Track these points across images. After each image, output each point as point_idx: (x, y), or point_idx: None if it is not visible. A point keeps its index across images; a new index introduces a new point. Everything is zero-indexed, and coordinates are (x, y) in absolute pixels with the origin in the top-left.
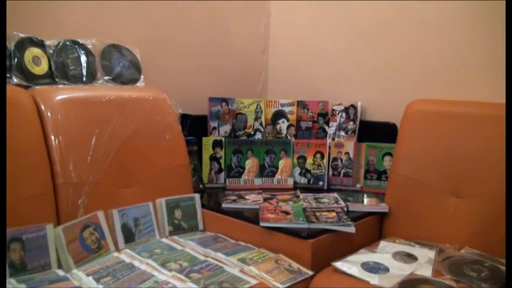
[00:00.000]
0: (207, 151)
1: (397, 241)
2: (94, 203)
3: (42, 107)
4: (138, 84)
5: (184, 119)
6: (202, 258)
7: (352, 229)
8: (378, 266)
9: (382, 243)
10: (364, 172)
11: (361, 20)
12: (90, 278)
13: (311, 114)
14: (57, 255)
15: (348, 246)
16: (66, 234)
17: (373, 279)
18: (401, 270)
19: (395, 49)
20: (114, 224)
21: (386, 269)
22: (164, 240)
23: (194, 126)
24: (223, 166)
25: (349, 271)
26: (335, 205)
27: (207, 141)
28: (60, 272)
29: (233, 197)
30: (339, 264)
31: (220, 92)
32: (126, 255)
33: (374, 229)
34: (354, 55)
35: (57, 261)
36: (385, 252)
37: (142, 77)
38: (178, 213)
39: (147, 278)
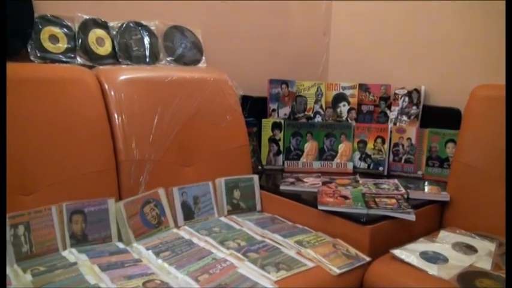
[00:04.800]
0: (266, 133)
1: (458, 231)
2: (155, 180)
3: (106, 86)
4: (200, 65)
5: (245, 100)
6: (259, 238)
7: (412, 217)
8: (437, 256)
9: (442, 233)
10: (426, 159)
11: (425, 2)
12: (150, 251)
13: (373, 97)
14: (117, 229)
15: (407, 234)
16: (128, 209)
17: (431, 269)
18: (460, 261)
19: (460, 32)
20: (174, 202)
21: (446, 260)
22: (223, 219)
23: (254, 108)
24: (281, 148)
25: (407, 259)
26: (395, 192)
27: (267, 123)
28: (120, 245)
29: (291, 180)
30: (397, 252)
31: (281, 74)
32: (185, 232)
33: (434, 218)
34: (418, 38)
35: (118, 235)
36: (444, 242)
37: (204, 58)
38: (237, 193)
39: (206, 254)
